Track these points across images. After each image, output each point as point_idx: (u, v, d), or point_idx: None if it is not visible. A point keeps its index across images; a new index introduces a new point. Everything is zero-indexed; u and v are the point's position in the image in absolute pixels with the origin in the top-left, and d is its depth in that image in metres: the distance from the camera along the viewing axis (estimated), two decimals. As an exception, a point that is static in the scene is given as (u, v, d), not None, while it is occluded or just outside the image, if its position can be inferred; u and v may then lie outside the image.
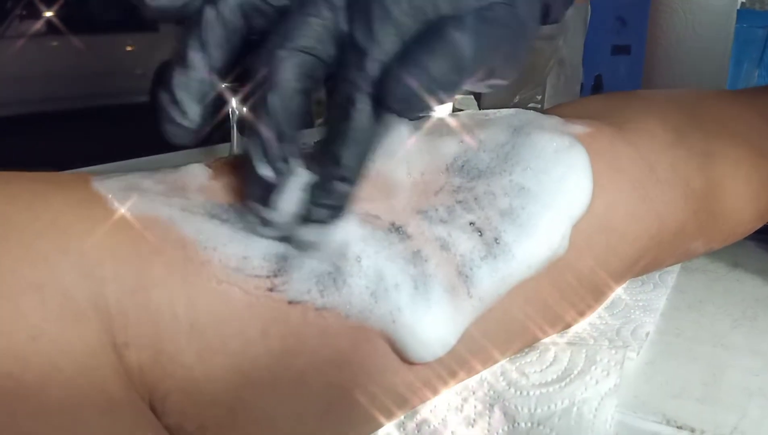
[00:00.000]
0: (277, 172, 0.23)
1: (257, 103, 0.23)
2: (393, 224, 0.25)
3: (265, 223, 0.23)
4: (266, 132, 0.23)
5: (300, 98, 0.24)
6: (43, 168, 0.26)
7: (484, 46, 0.24)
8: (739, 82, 0.73)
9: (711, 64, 0.62)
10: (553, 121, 0.30)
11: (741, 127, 0.34)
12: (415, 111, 0.23)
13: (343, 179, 0.23)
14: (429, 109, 0.23)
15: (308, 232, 0.24)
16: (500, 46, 0.25)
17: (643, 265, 0.31)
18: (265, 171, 0.23)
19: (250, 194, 0.24)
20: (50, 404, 0.19)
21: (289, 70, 0.23)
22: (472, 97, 0.61)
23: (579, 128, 0.30)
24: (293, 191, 0.24)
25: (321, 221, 0.24)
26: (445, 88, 0.23)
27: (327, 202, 0.24)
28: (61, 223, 0.21)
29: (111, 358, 0.21)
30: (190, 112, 0.24)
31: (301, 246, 0.24)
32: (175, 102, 0.23)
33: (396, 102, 0.23)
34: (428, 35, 0.23)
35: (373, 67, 0.23)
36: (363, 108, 0.23)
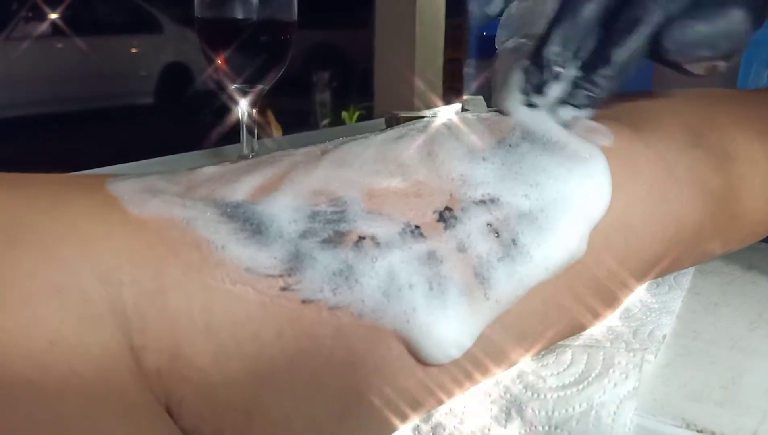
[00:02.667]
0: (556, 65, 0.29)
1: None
2: (408, 224, 0.25)
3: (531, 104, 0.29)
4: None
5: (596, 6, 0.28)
6: (48, 169, 0.26)
7: (750, 26, 0.28)
8: (749, 83, 0.72)
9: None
10: (576, 119, 0.30)
11: (758, 127, 0.34)
12: (683, 60, 0.28)
13: (607, 78, 0.28)
14: (697, 61, 0.29)
15: (563, 111, 0.29)
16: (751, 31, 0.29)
17: (661, 266, 0.31)
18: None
19: (529, 80, 0.29)
20: (70, 410, 0.19)
21: None
22: (482, 98, 0.61)
23: (597, 128, 0.30)
24: (562, 83, 0.29)
25: (579, 105, 0.29)
26: (713, 50, 0.28)
27: (589, 90, 0.28)
28: (79, 227, 0.21)
29: (129, 362, 0.20)
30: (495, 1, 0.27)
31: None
32: None
33: (671, 44, 0.28)
34: (710, 3, 0.28)
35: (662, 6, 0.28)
36: (644, 31, 0.28)
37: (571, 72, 0.29)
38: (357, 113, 3.47)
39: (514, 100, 0.30)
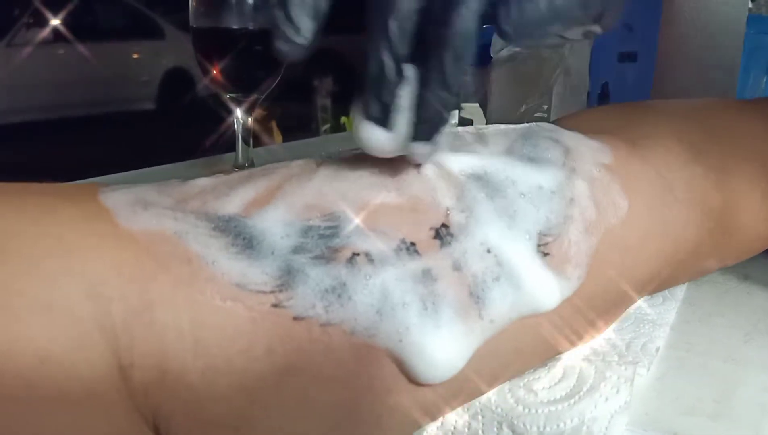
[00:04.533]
0: (392, 94, 0.24)
1: (377, 27, 0.24)
2: (403, 241, 0.24)
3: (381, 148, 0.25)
4: (386, 55, 0.24)
5: (417, 18, 0.24)
6: (48, 176, 0.26)
7: None
8: (747, 89, 0.72)
9: (721, 71, 0.61)
10: (573, 138, 0.29)
11: (757, 143, 0.33)
12: (526, 38, 0.24)
13: (445, 88, 0.24)
14: (541, 39, 0.25)
15: (419, 147, 0.25)
16: None
17: (656, 283, 0.30)
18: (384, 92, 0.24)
19: (371, 115, 0.24)
20: (54, 430, 0.19)
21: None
22: (478, 105, 0.61)
23: (595, 145, 0.29)
24: (406, 110, 0.25)
25: (425, 138, 0.24)
26: (563, 21, 0.24)
27: (428, 116, 0.24)
28: (68, 240, 0.21)
29: (116, 380, 0.20)
30: (303, 28, 0.24)
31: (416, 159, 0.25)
32: (289, 19, 0.24)
33: (510, 27, 0.23)
34: None
35: None
36: (467, 15, 0.23)
37: (408, 88, 0.24)
38: (358, 119, 3.45)
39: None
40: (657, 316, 0.33)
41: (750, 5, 0.90)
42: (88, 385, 0.20)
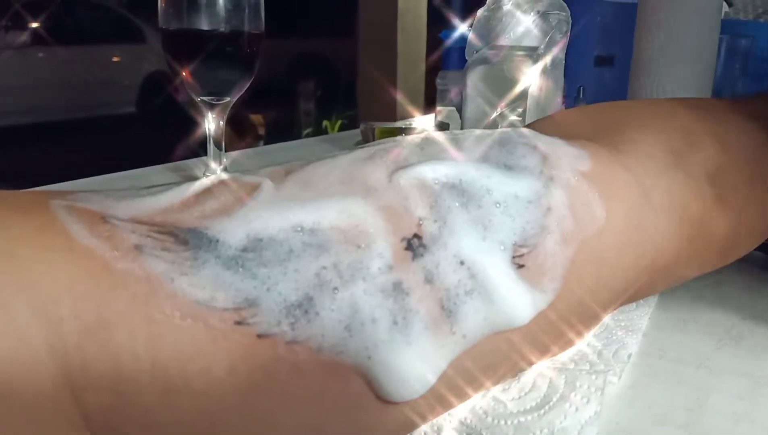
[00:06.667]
0: None
1: None
2: (372, 251, 0.23)
3: None
4: None
5: None
6: (28, 180, 0.25)
7: None
8: (724, 92, 0.72)
9: (696, 75, 0.61)
10: (551, 144, 0.29)
11: (741, 148, 0.33)
12: None
13: None
14: None
15: None
16: None
17: (633, 292, 0.30)
18: None
19: None
20: None
21: None
22: (454, 109, 0.60)
23: (573, 152, 0.28)
24: None
25: None
26: None
27: None
28: (16, 254, 0.20)
29: (67, 408, 0.19)
30: None
31: None
32: None
33: None
34: None
35: None
36: None
37: None
38: (339, 122, 3.46)
39: None
40: (630, 322, 0.32)
41: (727, 9, 0.91)
42: (34, 413, 0.19)
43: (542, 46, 0.53)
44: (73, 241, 0.21)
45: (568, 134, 0.30)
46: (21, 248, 0.20)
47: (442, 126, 0.62)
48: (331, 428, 0.23)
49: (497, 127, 0.54)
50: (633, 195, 0.28)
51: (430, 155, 0.27)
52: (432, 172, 0.26)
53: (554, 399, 0.26)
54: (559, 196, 0.27)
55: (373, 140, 0.56)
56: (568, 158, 0.28)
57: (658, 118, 0.33)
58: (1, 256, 0.20)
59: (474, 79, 0.54)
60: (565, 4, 0.55)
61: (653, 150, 0.30)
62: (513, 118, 0.53)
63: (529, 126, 0.33)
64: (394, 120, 1.01)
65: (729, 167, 0.32)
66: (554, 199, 0.26)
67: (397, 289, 0.23)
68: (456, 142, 0.28)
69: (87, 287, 0.20)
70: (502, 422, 0.25)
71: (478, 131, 0.31)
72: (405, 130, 0.76)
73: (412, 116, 0.92)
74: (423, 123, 0.81)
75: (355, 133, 0.92)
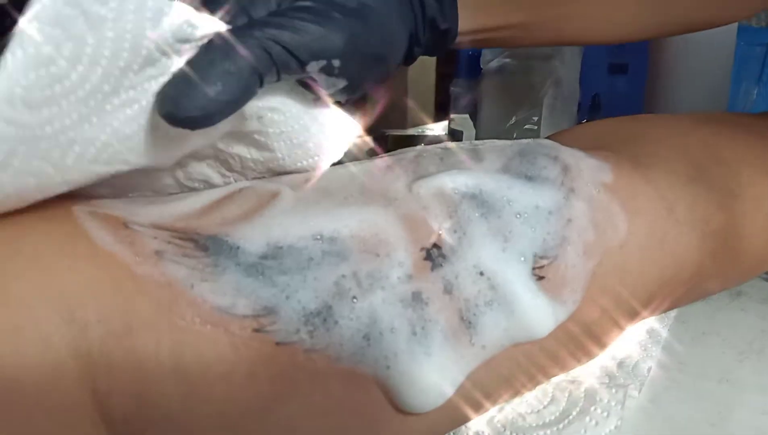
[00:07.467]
0: None
1: None
2: (392, 260, 0.23)
3: None
4: None
5: None
6: None
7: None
8: (738, 101, 0.72)
9: (712, 83, 0.61)
10: (572, 155, 0.28)
11: (763, 162, 0.32)
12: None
13: None
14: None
15: None
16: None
17: (655, 307, 0.29)
18: None
19: None
20: None
21: None
22: (468, 117, 0.60)
23: (595, 164, 0.28)
24: None
25: None
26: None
27: None
28: (42, 261, 0.20)
29: (90, 411, 0.19)
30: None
31: None
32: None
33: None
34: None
35: None
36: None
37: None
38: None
39: None
40: (649, 334, 0.32)
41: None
42: (58, 417, 0.19)
43: (558, 55, 0.52)
44: (97, 247, 0.21)
45: (589, 146, 0.30)
46: (45, 254, 0.20)
47: (455, 133, 0.62)
48: None
49: (512, 136, 0.54)
50: (655, 208, 0.28)
51: (450, 165, 0.27)
52: (452, 182, 0.26)
53: (574, 413, 0.26)
54: (580, 208, 0.26)
55: (386, 148, 0.55)
56: (589, 170, 0.28)
57: (680, 131, 0.33)
58: (27, 262, 0.20)
59: (489, 87, 0.53)
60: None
61: (676, 164, 0.30)
62: (528, 126, 0.53)
63: (549, 137, 0.32)
64: (405, 127, 1.01)
65: (751, 181, 0.31)
66: (575, 211, 0.26)
67: (417, 298, 0.23)
68: (476, 152, 0.28)
69: (111, 293, 0.20)
70: (522, 436, 0.25)
71: (498, 142, 0.30)
72: (418, 138, 0.76)
73: (423, 123, 0.92)
74: (436, 130, 0.81)
75: (368, 142, 0.92)
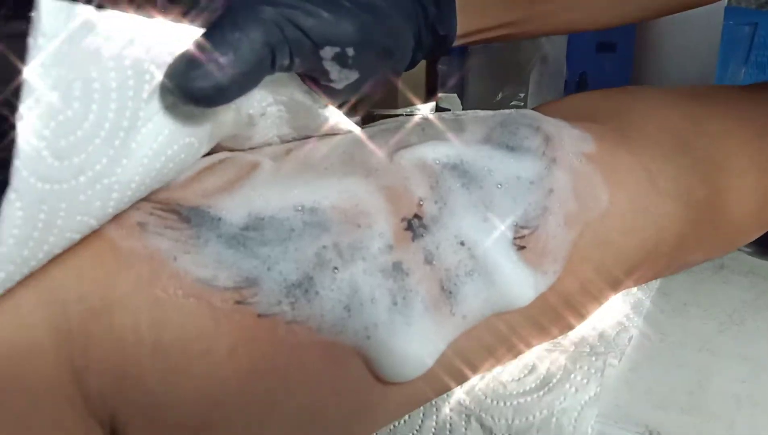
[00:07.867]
0: None
1: None
2: (373, 231, 0.23)
3: None
4: None
5: None
6: None
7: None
8: (726, 80, 0.72)
9: (699, 62, 0.61)
10: (554, 125, 0.28)
11: (748, 133, 0.32)
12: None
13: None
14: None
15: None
16: None
17: (637, 277, 0.29)
18: None
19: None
20: None
21: None
22: (456, 95, 0.60)
23: (579, 135, 0.28)
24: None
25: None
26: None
27: None
28: None
29: (67, 389, 0.19)
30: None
31: None
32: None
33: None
34: None
35: None
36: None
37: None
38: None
39: None
40: (631, 305, 0.32)
41: (729, -3, 0.90)
42: (35, 398, 0.19)
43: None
44: None
45: (574, 117, 0.30)
46: None
47: (443, 111, 0.62)
48: (331, 410, 0.23)
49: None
50: (638, 179, 0.28)
51: (432, 136, 0.27)
52: (433, 152, 0.26)
53: (554, 380, 0.26)
54: (562, 178, 0.26)
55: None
56: (571, 140, 0.28)
57: (665, 104, 0.33)
58: None
59: (475, 63, 0.53)
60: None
61: (659, 135, 0.30)
62: (514, 102, 0.52)
63: (535, 109, 0.32)
64: (395, 108, 1.00)
65: (736, 153, 0.31)
66: (557, 181, 0.26)
67: (397, 269, 0.23)
68: (458, 123, 0.28)
69: (93, 269, 0.20)
70: (502, 403, 0.25)
71: (481, 112, 0.30)
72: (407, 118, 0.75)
73: (413, 104, 0.91)
74: (424, 110, 0.81)
75: (356, 121, 0.92)
